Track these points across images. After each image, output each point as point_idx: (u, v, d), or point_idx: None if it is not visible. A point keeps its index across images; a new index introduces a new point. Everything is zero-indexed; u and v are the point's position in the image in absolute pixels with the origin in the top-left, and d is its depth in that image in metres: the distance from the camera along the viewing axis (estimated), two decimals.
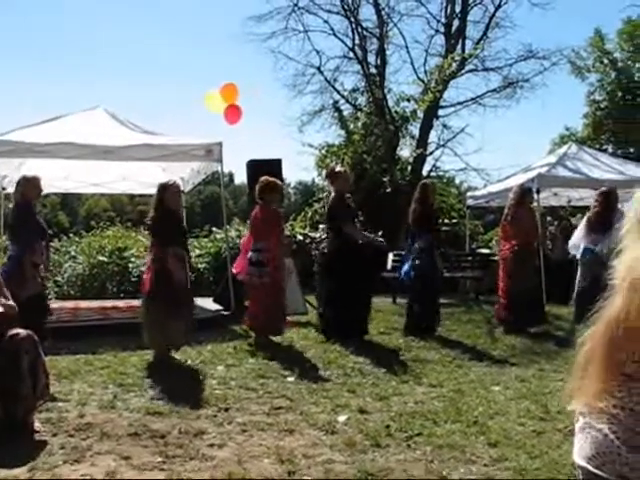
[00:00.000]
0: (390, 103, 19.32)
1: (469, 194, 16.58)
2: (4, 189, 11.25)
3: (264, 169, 9.55)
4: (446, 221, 17.34)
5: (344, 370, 6.48)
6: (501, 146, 62.38)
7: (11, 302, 4.96)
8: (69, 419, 4.94)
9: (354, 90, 20.82)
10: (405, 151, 19.92)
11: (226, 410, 5.20)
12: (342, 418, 4.89)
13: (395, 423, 4.71)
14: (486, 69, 21.70)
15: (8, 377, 4.57)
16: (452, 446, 4.19)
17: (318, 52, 21.67)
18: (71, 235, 16.46)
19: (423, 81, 20.07)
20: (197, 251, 14.04)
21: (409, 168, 19.58)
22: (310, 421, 4.85)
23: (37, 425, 4.67)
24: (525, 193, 9.32)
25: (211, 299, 11.01)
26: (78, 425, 4.79)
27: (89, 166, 10.97)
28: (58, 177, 11.58)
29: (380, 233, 8.92)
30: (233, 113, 11.86)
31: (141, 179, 12.26)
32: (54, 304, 8.90)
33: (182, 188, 11.88)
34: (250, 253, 8.05)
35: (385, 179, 18.01)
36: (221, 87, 11.82)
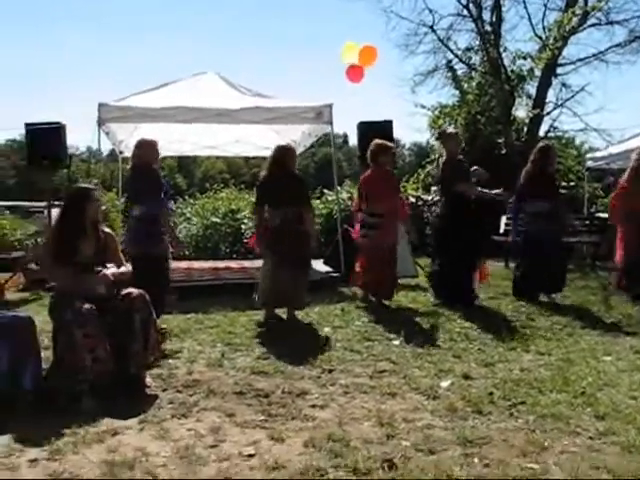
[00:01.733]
0: (506, 62, 18.62)
1: (588, 155, 15.92)
2: (121, 153, 11.66)
3: (375, 131, 9.47)
4: (563, 184, 16.72)
5: (450, 335, 6.40)
6: (624, 105, 59.15)
7: (124, 268, 5.16)
8: (178, 375, 5.13)
9: (468, 49, 20.20)
10: (521, 111, 19.18)
11: (330, 372, 5.24)
12: (445, 383, 4.84)
13: (498, 390, 4.61)
14: (610, 22, 20.45)
15: (121, 334, 4.77)
16: (556, 416, 4.06)
17: (431, 10, 21.12)
18: (186, 197, 16.93)
19: (541, 38, 19.20)
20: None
21: (525, 129, 18.90)
22: (413, 385, 4.82)
23: (148, 380, 4.88)
24: None
25: (321, 261, 11.10)
26: (186, 382, 4.96)
27: (203, 129, 11.21)
28: (173, 140, 11.89)
29: (501, 190, 8.57)
30: (357, 72, 11.86)
31: (254, 142, 12.43)
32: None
33: None
34: (362, 215, 8.04)
35: (500, 140, 17.53)
36: (364, 46, 11.80)
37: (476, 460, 3.43)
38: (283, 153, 7.20)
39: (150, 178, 6.86)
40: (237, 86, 10.80)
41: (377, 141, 8.04)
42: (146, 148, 6.95)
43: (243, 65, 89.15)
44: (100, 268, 4.91)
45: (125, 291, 4.87)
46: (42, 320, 5.10)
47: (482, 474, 3.25)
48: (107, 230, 5.30)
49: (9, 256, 11.12)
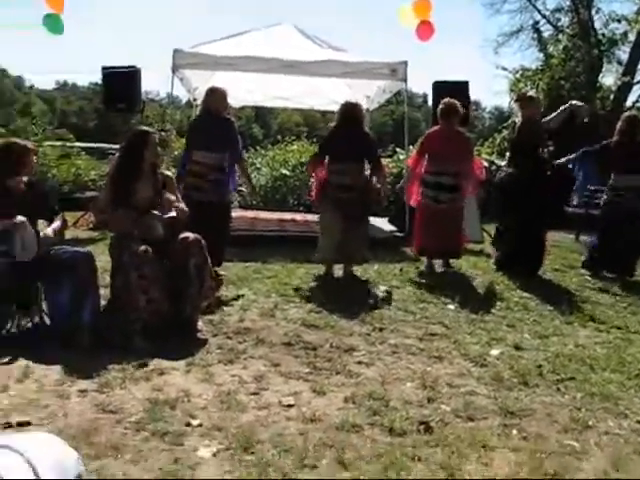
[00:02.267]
0: (597, 24, 17.94)
1: None
2: (195, 100, 11.72)
3: (450, 91, 9.27)
4: None
5: (507, 303, 6.28)
6: None
7: (183, 205, 5.22)
8: (230, 322, 5.20)
9: (557, 10, 19.50)
10: (608, 78, 18.48)
11: (380, 330, 5.23)
12: (495, 352, 4.77)
13: (549, 364, 4.51)
14: None
15: (177, 278, 4.86)
16: (605, 396, 3.95)
17: None
18: (258, 148, 17.00)
19: None
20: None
21: (611, 97, 18.19)
22: (462, 351, 4.77)
23: (200, 325, 4.96)
24: None
25: (386, 219, 11.05)
26: (237, 329, 5.03)
27: (276, 80, 11.17)
28: (248, 89, 11.90)
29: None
30: (425, 29, 11.55)
31: (327, 95, 12.34)
32: (235, 213, 9.25)
33: (367, 106, 11.91)
34: (427, 176, 7.85)
35: None
36: (414, 2, 11.49)
37: (514, 432, 3.38)
38: (350, 108, 7.14)
39: (217, 125, 6.86)
40: (312, 38, 10.71)
41: (448, 99, 7.84)
42: (216, 96, 6.95)
43: (319, 20, 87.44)
44: (157, 212, 4.98)
45: (182, 235, 4.94)
46: (105, 260, 5.21)
47: (519, 446, 3.20)
48: (166, 172, 5.37)
49: (82, 195, 11.43)
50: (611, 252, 7.87)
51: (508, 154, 8.38)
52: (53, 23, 9.61)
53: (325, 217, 7.18)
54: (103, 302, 4.97)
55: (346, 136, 6.97)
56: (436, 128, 7.92)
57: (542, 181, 7.48)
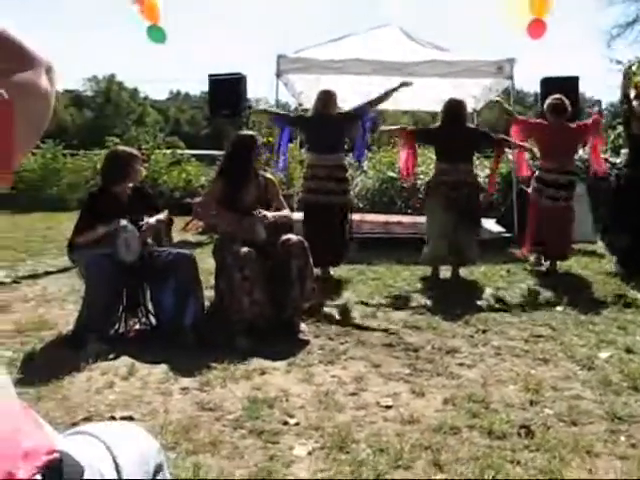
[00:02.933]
0: None
1: None
2: (300, 105, 11.85)
3: (559, 87, 9.02)
4: None
5: (619, 305, 6.02)
6: None
7: (285, 212, 5.31)
8: (332, 324, 5.24)
9: None
10: None
11: (484, 332, 5.14)
12: (604, 355, 4.59)
13: None
14: None
15: (279, 280, 4.95)
16: None
17: None
18: (365, 151, 16.96)
19: None
20: (486, 171, 13.75)
21: None
22: (568, 353, 4.62)
23: (302, 326, 5.02)
24: None
25: (494, 220, 10.85)
26: (339, 330, 5.06)
27: (382, 82, 11.12)
28: (355, 92, 11.92)
29: None
30: (538, 27, 11.24)
31: (432, 96, 12.21)
32: None
33: (473, 106, 11.73)
34: (543, 173, 7.64)
35: None
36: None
37: (622, 438, 3.24)
38: (454, 105, 7.08)
39: (331, 127, 7.00)
40: (417, 39, 10.63)
41: (556, 96, 7.62)
42: (326, 99, 7.08)
43: (424, 19, 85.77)
44: (260, 213, 5.08)
45: (284, 237, 5.02)
46: (211, 262, 5.36)
47: (626, 453, 3.07)
48: (268, 175, 5.48)
49: (192, 201, 11.77)
50: None
51: (624, 151, 8.07)
52: (155, 34, 9.94)
53: (435, 217, 7.10)
54: (208, 303, 5.12)
55: (451, 134, 6.91)
56: (546, 123, 7.69)
57: None
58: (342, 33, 10.81)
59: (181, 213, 9.81)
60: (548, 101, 7.66)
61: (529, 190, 8.10)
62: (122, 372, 4.07)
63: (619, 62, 17.56)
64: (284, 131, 8.00)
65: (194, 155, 17.03)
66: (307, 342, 4.77)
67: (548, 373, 4.23)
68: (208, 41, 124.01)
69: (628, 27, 19.91)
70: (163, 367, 4.16)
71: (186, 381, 3.91)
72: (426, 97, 12.39)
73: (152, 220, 4.99)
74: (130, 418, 3.30)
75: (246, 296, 4.70)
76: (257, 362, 4.26)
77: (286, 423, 3.32)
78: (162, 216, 5.14)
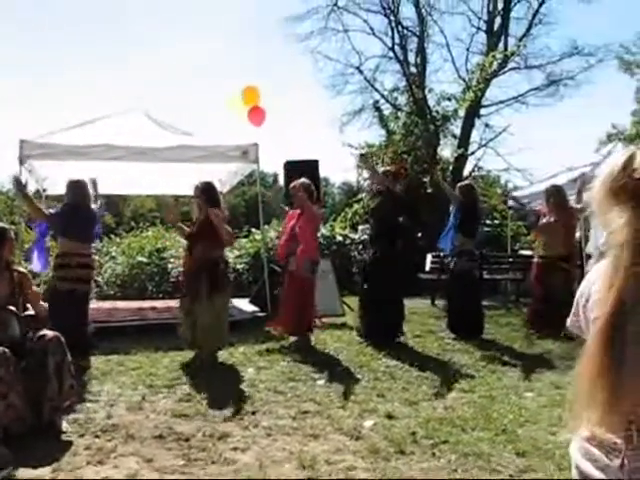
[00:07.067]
0: (431, 102, 19.01)
1: (510, 195, 16.32)
2: (45, 190, 11.36)
3: (301, 169, 9.52)
4: (488, 222, 17.06)
5: (375, 374, 6.39)
6: (545, 145, 61.08)
7: (42, 305, 5.03)
8: (96, 420, 4.96)
9: (394, 90, 20.63)
10: (446, 151, 19.59)
11: (253, 413, 5.16)
12: (368, 423, 4.82)
13: (422, 430, 4.61)
14: (529, 67, 21.61)
15: (35, 378, 4.62)
16: (478, 455, 4.08)
17: (358, 52, 21.73)
18: (112, 236, 16.62)
19: (464, 80, 19.88)
20: (236, 252, 14.02)
21: (450, 168, 19.27)
22: (336, 426, 4.78)
23: (64, 426, 4.70)
24: (552, 194, 8.98)
25: (247, 300, 11.00)
26: (105, 426, 4.81)
27: (129, 167, 11.01)
28: (100, 178, 11.65)
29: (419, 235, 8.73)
30: (257, 115, 11.76)
31: (181, 180, 12.28)
32: (92, 304, 8.93)
33: (220, 189, 11.96)
34: None
35: (425, 179, 17.82)
36: (243, 89, 11.70)
37: None
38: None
39: (81, 216, 7.14)
40: (163, 124, 10.71)
41: (296, 181, 8.01)
42: (77, 188, 7.19)
43: (167, 102, 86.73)
44: (14, 308, 4.76)
45: (40, 333, 4.72)
46: None
47: None
48: (21, 270, 5.16)
49: None
50: (457, 314, 8.38)
51: (361, 227, 8.67)
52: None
53: (184, 303, 7.24)
54: None
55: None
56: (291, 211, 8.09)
57: (395, 251, 7.85)
58: (88, 117, 10.59)
59: None
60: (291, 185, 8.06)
61: (279, 269, 8.41)
62: None
63: (351, 145, 18.84)
64: (40, 226, 7.85)
65: None
66: (71, 443, 4.46)
67: (320, 448, 4.33)
68: None
69: (356, 115, 21.69)
70: None
71: None
72: (176, 182, 12.44)
73: None
74: None
75: (1, 400, 4.31)
76: (21, 472, 3.90)
77: None
78: None
